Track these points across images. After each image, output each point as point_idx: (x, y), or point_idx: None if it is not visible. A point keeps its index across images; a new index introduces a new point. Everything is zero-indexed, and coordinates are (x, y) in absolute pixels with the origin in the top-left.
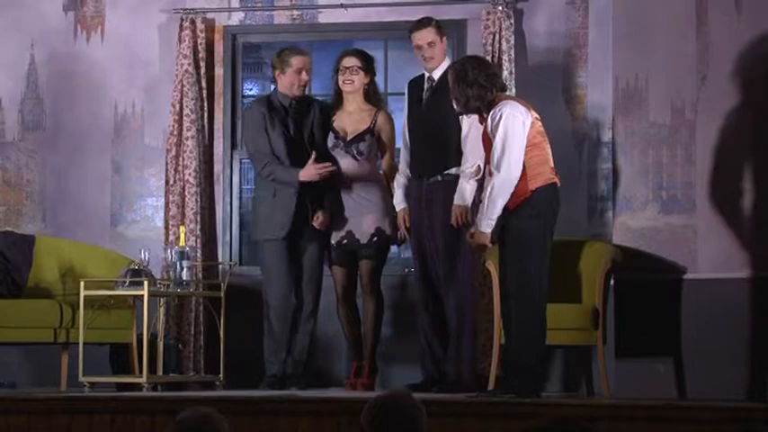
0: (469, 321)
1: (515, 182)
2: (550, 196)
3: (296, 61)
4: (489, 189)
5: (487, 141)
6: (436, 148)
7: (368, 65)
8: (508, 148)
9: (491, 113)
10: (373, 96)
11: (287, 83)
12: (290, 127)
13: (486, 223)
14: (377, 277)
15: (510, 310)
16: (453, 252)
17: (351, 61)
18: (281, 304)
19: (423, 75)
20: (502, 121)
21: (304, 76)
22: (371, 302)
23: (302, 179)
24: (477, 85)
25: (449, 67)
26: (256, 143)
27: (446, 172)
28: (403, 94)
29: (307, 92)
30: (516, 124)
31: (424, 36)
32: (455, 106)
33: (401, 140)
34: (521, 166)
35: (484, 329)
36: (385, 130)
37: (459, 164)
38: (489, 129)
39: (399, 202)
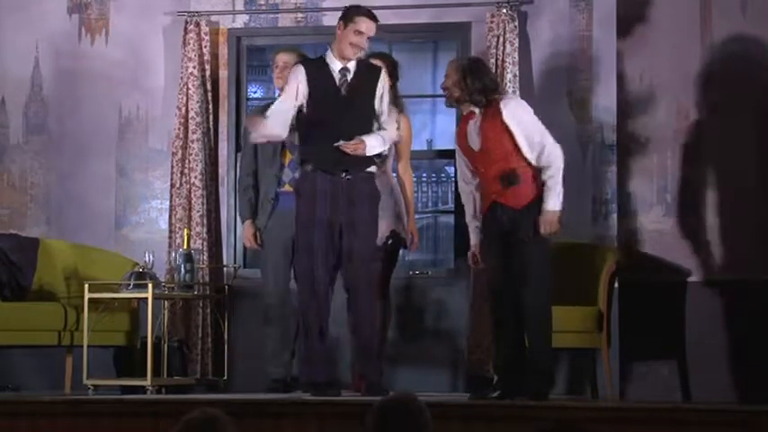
0: (381, 328)
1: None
2: None
3: (277, 59)
4: (553, 171)
5: (494, 138)
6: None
7: (392, 69)
8: (538, 128)
9: (506, 106)
10: (393, 101)
11: (278, 84)
12: None
13: (560, 201)
14: (386, 281)
15: (517, 314)
16: (374, 255)
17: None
18: (281, 306)
19: (322, 59)
20: (522, 110)
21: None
22: (379, 305)
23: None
24: (483, 81)
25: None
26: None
27: (368, 170)
28: (408, 96)
29: None
30: (529, 110)
31: (371, 28)
32: (447, 98)
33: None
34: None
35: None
36: (403, 135)
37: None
38: (509, 121)
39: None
